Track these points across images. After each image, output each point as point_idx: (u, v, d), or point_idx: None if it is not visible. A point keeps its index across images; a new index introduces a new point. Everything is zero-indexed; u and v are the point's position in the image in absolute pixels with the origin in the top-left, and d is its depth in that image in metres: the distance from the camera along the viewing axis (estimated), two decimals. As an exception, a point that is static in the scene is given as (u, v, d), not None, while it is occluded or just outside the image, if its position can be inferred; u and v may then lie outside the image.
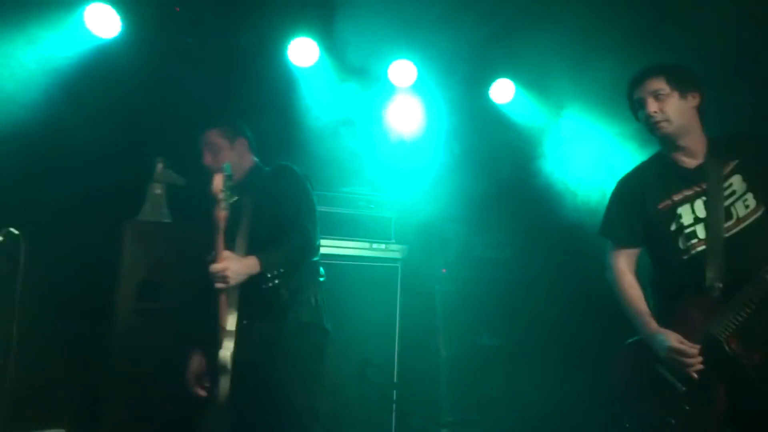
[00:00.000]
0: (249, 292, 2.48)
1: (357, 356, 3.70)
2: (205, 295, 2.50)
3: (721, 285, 2.25)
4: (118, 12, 3.64)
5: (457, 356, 4.11)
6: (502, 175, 4.61)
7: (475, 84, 4.57)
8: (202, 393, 2.52)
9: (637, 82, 2.46)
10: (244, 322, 2.47)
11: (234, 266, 2.38)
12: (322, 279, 2.77)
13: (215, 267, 2.37)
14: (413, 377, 3.98)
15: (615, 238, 2.58)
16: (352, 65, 4.21)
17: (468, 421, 4.05)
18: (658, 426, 2.33)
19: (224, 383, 2.40)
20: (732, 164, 2.38)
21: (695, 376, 2.23)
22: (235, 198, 2.44)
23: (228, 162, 2.57)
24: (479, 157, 4.57)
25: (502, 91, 4.55)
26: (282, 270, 2.47)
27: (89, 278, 3.55)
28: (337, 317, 3.68)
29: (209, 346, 2.47)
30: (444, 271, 4.26)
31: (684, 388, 2.27)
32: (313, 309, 2.64)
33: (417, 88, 4.46)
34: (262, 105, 3.95)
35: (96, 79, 3.65)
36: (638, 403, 2.42)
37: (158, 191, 3.64)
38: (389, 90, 4.46)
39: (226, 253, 2.39)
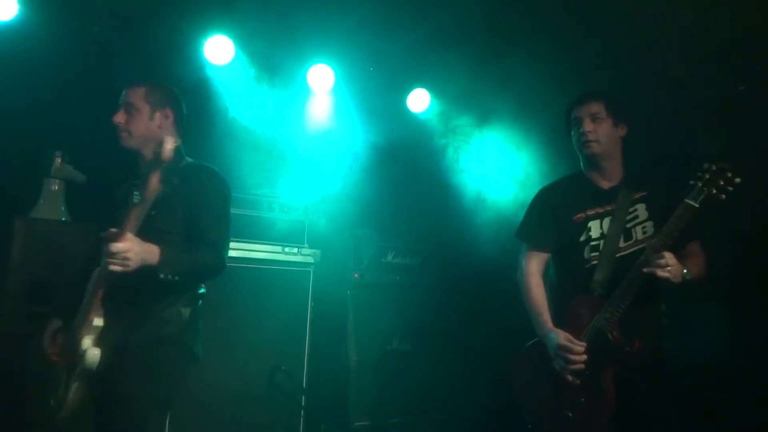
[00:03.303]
0: (119, 289, 2.18)
1: (266, 362, 3.64)
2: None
3: (603, 290, 2.48)
4: (14, -8, 3.40)
5: (367, 361, 4.13)
6: (414, 182, 4.71)
7: (392, 91, 4.64)
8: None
9: (579, 102, 2.66)
10: (111, 318, 2.18)
11: (138, 249, 2.07)
12: (202, 291, 2.42)
13: (117, 246, 2.02)
14: (322, 383, 3.96)
15: (530, 240, 2.77)
16: (269, 66, 4.16)
17: (376, 426, 4.08)
18: (558, 421, 2.48)
19: (79, 389, 2.16)
20: (641, 193, 2.62)
21: (582, 368, 2.40)
22: (176, 182, 2.14)
23: (134, 129, 2.30)
24: (393, 164, 4.64)
25: (418, 100, 4.65)
26: (177, 278, 2.16)
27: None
28: (247, 322, 3.64)
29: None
30: (356, 276, 4.27)
31: (578, 382, 2.43)
32: (182, 324, 2.29)
33: (334, 92, 4.46)
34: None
35: (-13, 63, 3.39)
36: (538, 402, 2.57)
37: (55, 187, 3.42)
38: (306, 93, 4.43)
39: (128, 235, 2.07)
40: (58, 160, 3.41)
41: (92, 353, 2.12)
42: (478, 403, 4.23)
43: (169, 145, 2.09)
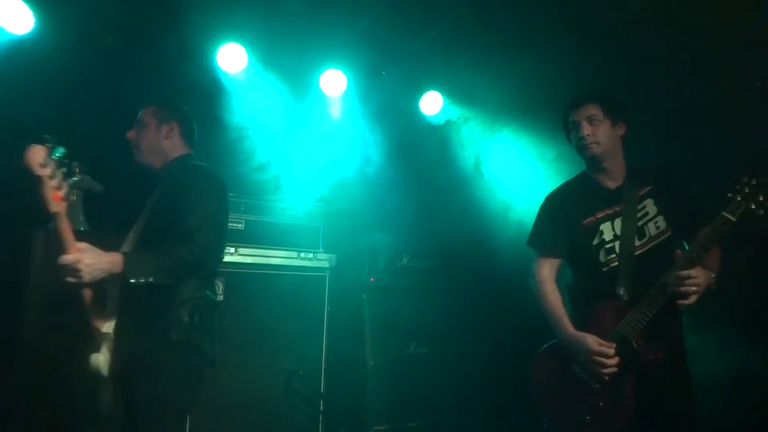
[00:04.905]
0: (126, 293, 2.26)
1: (284, 367, 3.64)
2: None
3: (629, 294, 2.47)
4: (30, 7, 3.44)
5: (385, 365, 4.13)
6: (428, 184, 4.70)
7: (405, 94, 4.63)
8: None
9: (575, 105, 2.66)
10: (121, 325, 2.27)
11: (89, 260, 2.12)
12: (206, 295, 2.41)
13: (65, 259, 2.11)
14: (340, 387, 3.97)
15: (541, 248, 2.77)
16: (282, 73, 4.18)
17: (394, 429, 4.07)
18: (575, 423, 2.48)
19: (106, 396, 2.23)
20: (646, 189, 2.61)
21: (613, 373, 2.39)
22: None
23: (142, 143, 2.49)
24: (406, 167, 4.64)
25: (431, 102, 4.64)
26: (151, 280, 2.18)
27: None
28: (264, 327, 3.66)
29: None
30: (372, 280, 4.28)
31: (598, 386, 2.43)
32: (186, 328, 2.30)
33: (347, 96, 4.47)
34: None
35: (6, 77, 3.42)
36: (555, 403, 2.57)
37: (73, 198, 3.44)
38: (319, 98, 4.45)
39: (82, 245, 2.14)
40: (76, 171, 3.44)
41: (95, 358, 2.21)
42: (496, 406, 4.21)
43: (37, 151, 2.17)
